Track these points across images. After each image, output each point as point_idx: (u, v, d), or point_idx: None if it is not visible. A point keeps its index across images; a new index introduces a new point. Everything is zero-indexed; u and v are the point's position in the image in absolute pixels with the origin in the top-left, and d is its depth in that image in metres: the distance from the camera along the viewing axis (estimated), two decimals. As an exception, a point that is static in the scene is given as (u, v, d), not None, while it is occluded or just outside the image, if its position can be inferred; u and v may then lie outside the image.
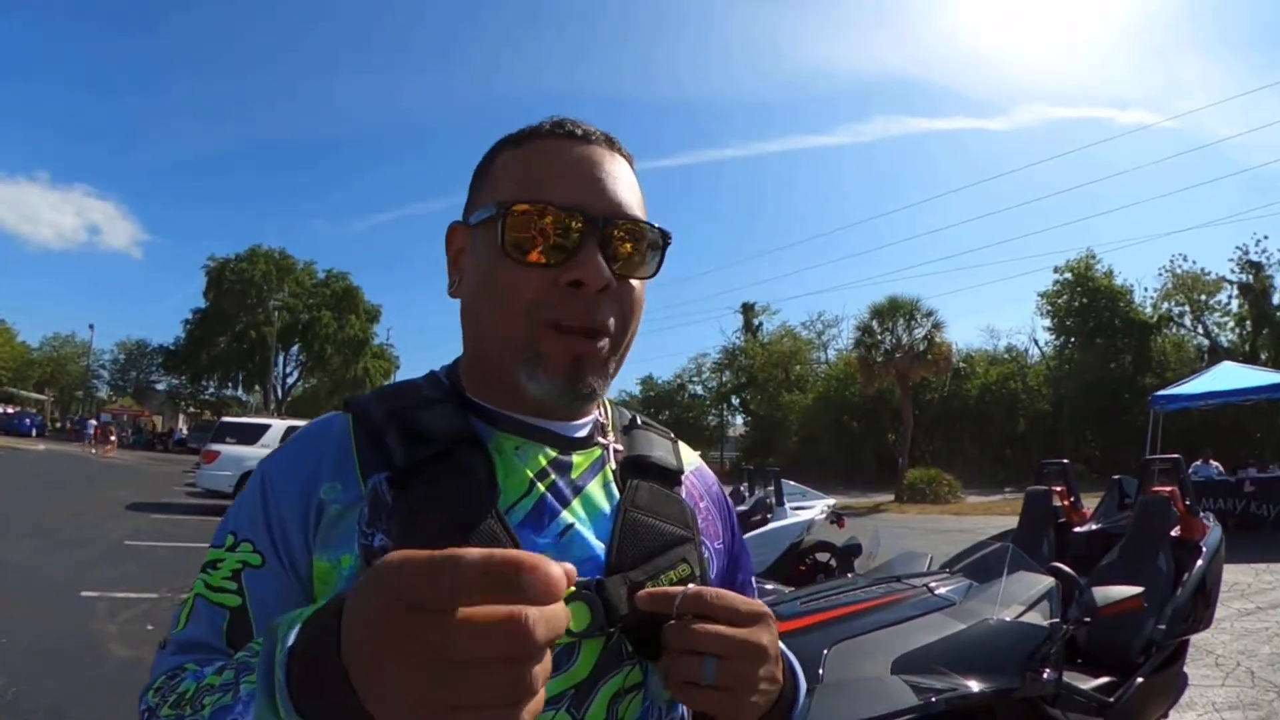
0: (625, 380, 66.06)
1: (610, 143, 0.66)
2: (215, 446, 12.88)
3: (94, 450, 29.63)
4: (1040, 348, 37.90)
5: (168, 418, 49.15)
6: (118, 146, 76.18)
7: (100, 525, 10.13)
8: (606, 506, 0.66)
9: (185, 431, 40.46)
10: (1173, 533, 3.76)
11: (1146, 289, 34.96)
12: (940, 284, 66.91)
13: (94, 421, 32.88)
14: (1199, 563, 3.43)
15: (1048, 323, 36.14)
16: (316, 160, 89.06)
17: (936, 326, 23.68)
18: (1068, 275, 34.43)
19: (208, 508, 12.83)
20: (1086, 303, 33.57)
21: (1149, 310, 33.80)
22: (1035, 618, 2.41)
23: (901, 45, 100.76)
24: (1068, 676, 2.85)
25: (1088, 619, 2.50)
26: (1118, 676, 3.01)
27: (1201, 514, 3.93)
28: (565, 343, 0.60)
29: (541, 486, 0.63)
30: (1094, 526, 4.55)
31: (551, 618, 0.37)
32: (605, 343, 0.62)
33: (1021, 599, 2.47)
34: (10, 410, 36.96)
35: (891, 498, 21.93)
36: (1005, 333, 62.98)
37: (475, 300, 0.65)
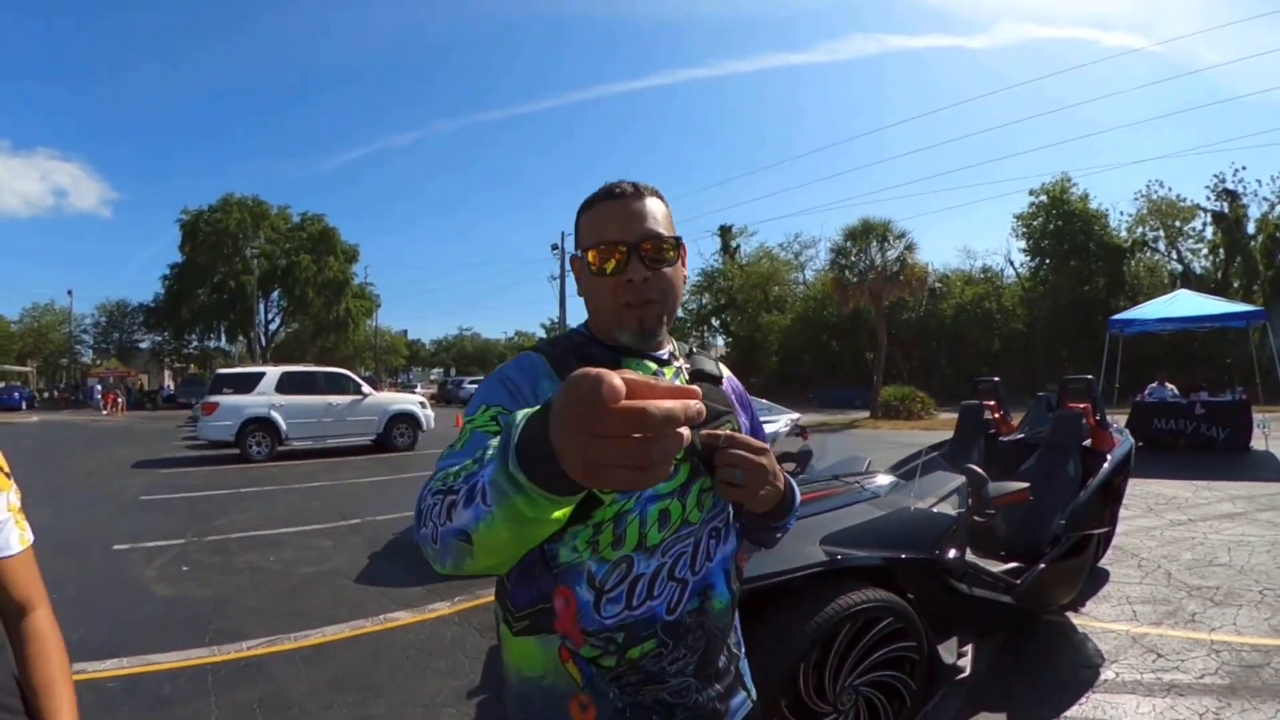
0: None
1: (638, 190, 1.10)
2: (214, 398, 13.04)
3: (106, 412, 29.99)
4: (1015, 269, 38.26)
5: (154, 375, 48.94)
6: (76, 101, 72.57)
7: (113, 484, 10.39)
8: None
9: (173, 387, 40.49)
10: (1085, 443, 4.26)
11: (1122, 213, 35.09)
12: (917, 205, 66.83)
13: (99, 386, 32.69)
14: (1104, 468, 3.92)
15: (1023, 244, 36.44)
16: (281, 99, 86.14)
17: (909, 248, 24.21)
18: (1043, 198, 34.53)
19: (213, 458, 13.18)
20: (1061, 225, 33.76)
21: (1124, 235, 34.02)
22: (946, 508, 2.90)
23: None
24: (986, 562, 3.38)
25: (990, 510, 3.02)
26: (1026, 564, 3.50)
27: (1114, 429, 4.42)
28: (632, 311, 1.08)
29: None
30: (1019, 436, 5.09)
31: (669, 412, 0.56)
32: (657, 307, 1.08)
33: (935, 493, 2.95)
34: (-2, 386, 36.57)
35: (867, 414, 22.83)
36: (981, 254, 63.29)
37: (588, 297, 1.13)
